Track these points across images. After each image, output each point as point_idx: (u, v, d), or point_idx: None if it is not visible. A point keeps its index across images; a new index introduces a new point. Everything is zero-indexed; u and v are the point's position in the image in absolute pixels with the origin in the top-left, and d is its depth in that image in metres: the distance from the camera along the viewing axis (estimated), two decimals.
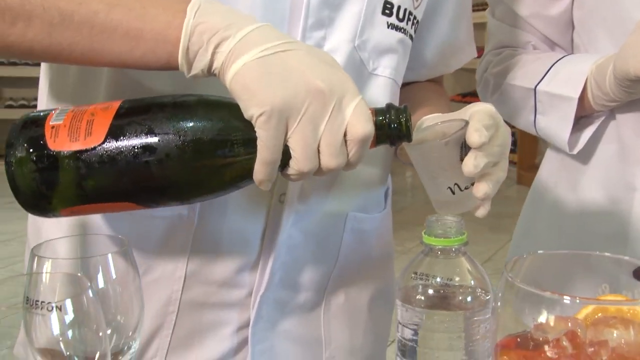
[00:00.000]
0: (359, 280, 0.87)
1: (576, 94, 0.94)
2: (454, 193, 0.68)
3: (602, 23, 0.97)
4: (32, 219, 0.83)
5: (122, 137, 0.58)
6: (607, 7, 0.95)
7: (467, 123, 0.67)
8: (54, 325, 0.45)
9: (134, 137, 0.58)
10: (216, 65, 0.60)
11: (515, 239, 1.12)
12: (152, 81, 0.70)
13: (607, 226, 0.96)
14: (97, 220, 0.74)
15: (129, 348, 0.55)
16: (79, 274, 0.46)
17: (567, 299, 0.54)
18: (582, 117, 0.98)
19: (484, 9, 1.17)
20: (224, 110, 0.60)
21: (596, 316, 0.59)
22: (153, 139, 0.58)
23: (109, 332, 0.54)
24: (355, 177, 0.81)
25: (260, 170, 0.59)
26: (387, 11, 0.76)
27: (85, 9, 0.60)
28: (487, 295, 0.64)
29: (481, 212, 0.69)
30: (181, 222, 0.74)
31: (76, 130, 0.59)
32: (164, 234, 0.75)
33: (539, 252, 0.61)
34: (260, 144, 0.58)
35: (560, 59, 1.00)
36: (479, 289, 0.64)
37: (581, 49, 1.02)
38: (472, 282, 0.64)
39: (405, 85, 0.91)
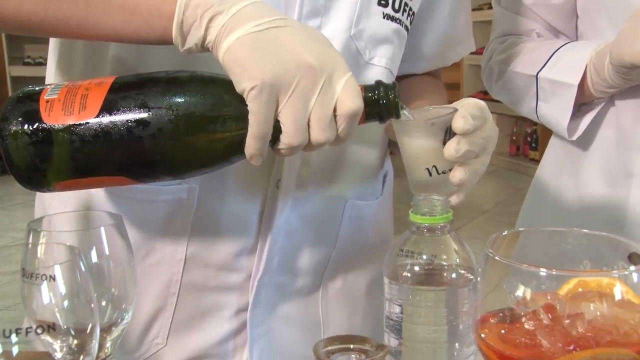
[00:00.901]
0: (357, 264, 0.88)
1: (576, 81, 0.95)
2: (430, 175, 0.71)
3: (603, 10, 0.97)
4: (39, 200, 0.86)
5: (115, 111, 0.59)
6: None
7: (456, 110, 0.69)
8: (44, 295, 0.47)
9: (127, 112, 0.59)
10: (209, 39, 0.61)
11: (519, 225, 1.13)
12: (157, 60, 0.71)
13: (605, 211, 0.96)
14: (99, 203, 0.77)
15: (122, 319, 0.57)
16: (69, 244, 0.49)
17: (543, 272, 0.55)
18: (583, 105, 0.99)
19: (490, 8, 1.17)
20: (217, 85, 0.61)
21: (577, 291, 0.60)
22: (146, 113, 0.59)
23: (103, 304, 0.57)
24: (354, 163, 0.83)
25: (251, 144, 0.60)
26: (383, 2, 0.77)
27: None
28: (472, 273, 0.65)
29: (454, 199, 0.71)
30: (181, 205, 0.76)
31: (70, 104, 0.59)
32: (164, 217, 0.77)
33: (520, 229, 0.62)
34: (251, 118, 0.59)
35: (562, 46, 1.00)
36: (464, 267, 0.65)
37: (585, 36, 1.03)
38: (458, 259, 0.66)
39: (402, 78, 0.92)
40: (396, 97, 0.63)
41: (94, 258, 0.55)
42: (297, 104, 0.59)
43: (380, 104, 0.63)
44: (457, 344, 0.66)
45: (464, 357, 0.66)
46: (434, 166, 0.70)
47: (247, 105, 0.59)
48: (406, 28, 0.81)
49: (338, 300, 0.88)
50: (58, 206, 0.80)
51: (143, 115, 0.59)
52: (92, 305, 0.50)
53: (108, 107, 0.59)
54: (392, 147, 0.90)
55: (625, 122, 0.95)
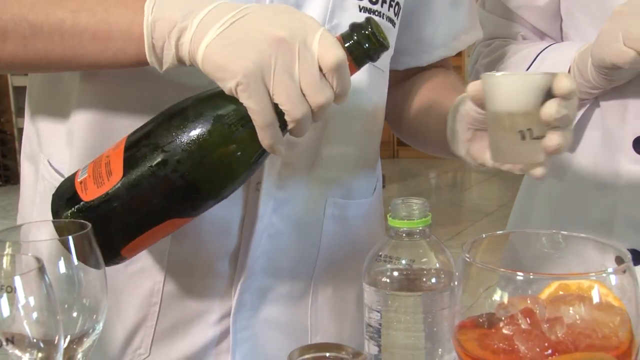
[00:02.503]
0: (347, 271, 0.87)
1: None
2: (524, 138, 0.65)
3: (586, 11, 0.97)
4: (20, 213, 0.86)
5: (137, 164, 0.62)
6: None
7: (554, 74, 0.65)
8: (3, 306, 0.46)
9: (146, 159, 0.62)
10: (183, 55, 0.62)
11: (509, 229, 1.12)
12: (120, 80, 0.73)
13: (594, 213, 0.96)
14: None
15: (94, 330, 0.57)
16: (30, 255, 0.48)
17: (520, 276, 0.54)
18: None
19: None
20: (211, 99, 0.63)
21: (557, 295, 0.59)
22: (161, 154, 0.61)
23: (74, 314, 0.56)
24: (333, 160, 0.82)
25: (263, 136, 0.61)
26: None
27: (52, 19, 0.64)
28: (452, 278, 0.64)
29: (539, 171, 0.67)
30: None
31: (99, 176, 0.63)
32: None
33: (497, 232, 0.62)
34: (251, 112, 0.60)
35: (546, 47, 1.00)
36: (444, 271, 0.65)
37: (569, 38, 1.02)
38: (437, 264, 0.65)
39: (411, 75, 0.91)
40: (375, 32, 0.62)
41: (63, 268, 0.55)
42: (283, 80, 0.59)
43: (362, 45, 0.62)
44: (439, 350, 0.65)
45: None
46: (528, 129, 0.64)
47: (242, 104, 0.60)
48: (390, 20, 0.80)
49: (328, 308, 0.87)
50: (38, 217, 0.79)
51: (158, 156, 0.61)
52: (58, 316, 0.49)
53: (129, 164, 0.62)
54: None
55: (611, 123, 0.94)
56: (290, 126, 0.62)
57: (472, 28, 0.93)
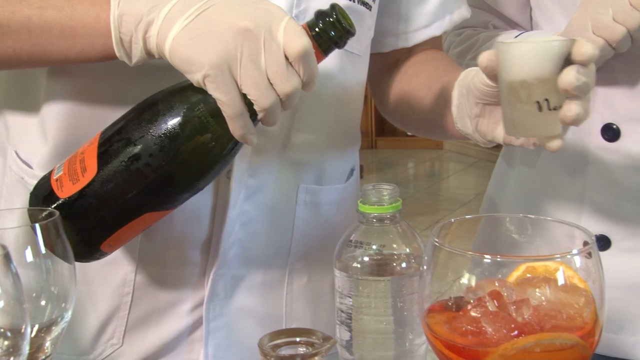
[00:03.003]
0: (323, 260, 0.87)
1: None
2: (541, 109, 0.62)
3: (556, 0, 0.97)
4: None
5: (110, 160, 0.62)
6: None
7: (573, 41, 0.62)
8: None
9: (120, 154, 0.62)
10: (151, 49, 0.62)
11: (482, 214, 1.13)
12: (90, 74, 0.72)
13: (564, 199, 0.97)
14: None
15: (62, 318, 0.56)
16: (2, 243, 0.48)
17: (487, 259, 0.55)
18: None
19: None
20: (181, 92, 0.63)
21: (525, 277, 0.60)
22: (133, 148, 0.61)
23: (43, 303, 0.56)
24: (304, 145, 0.82)
25: (234, 127, 0.61)
26: None
27: (18, 16, 0.64)
28: (421, 262, 0.65)
29: (556, 144, 0.65)
30: None
31: (74, 172, 0.63)
32: None
33: (466, 217, 0.62)
34: (219, 103, 0.60)
35: (517, 36, 1.00)
36: (414, 256, 0.65)
37: (539, 26, 1.03)
38: (407, 249, 0.65)
39: (401, 59, 0.91)
40: (340, 17, 0.62)
41: (30, 256, 0.54)
42: (250, 70, 0.59)
43: (328, 32, 0.62)
44: (409, 334, 0.65)
45: (416, 346, 0.66)
46: (546, 99, 0.61)
47: (211, 96, 0.60)
48: (364, 3, 0.80)
49: (303, 296, 0.87)
50: (5, 206, 0.78)
51: (131, 150, 0.61)
52: (25, 305, 0.49)
53: (103, 160, 0.62)
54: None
55: None
56: (260, 115, 0.62)
57: (458, 7, 0.92)
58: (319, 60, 0.62)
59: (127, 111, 0.65)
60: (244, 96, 0.60)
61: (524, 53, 0.61)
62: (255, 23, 0.59)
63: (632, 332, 0.93)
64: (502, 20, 1.06)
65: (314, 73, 0.62)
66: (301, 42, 0.60)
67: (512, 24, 1.06)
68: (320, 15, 0.62)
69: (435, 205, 4.73)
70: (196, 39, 0.59)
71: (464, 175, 5.77)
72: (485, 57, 0.65)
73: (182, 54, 0.60)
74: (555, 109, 0.62)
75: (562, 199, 0.97)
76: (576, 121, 0.62)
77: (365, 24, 0.83)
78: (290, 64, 0.60)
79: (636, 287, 0.92)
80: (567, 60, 0.61)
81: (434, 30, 0.92)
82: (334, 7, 0.62)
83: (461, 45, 1.07)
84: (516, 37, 1.01)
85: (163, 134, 0.61)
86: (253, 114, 0.62)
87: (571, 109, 0.61)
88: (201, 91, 0.61)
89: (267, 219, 0.82)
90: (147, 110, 0.63)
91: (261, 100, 0.60)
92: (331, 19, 0.62)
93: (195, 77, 0.60)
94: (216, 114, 0.61)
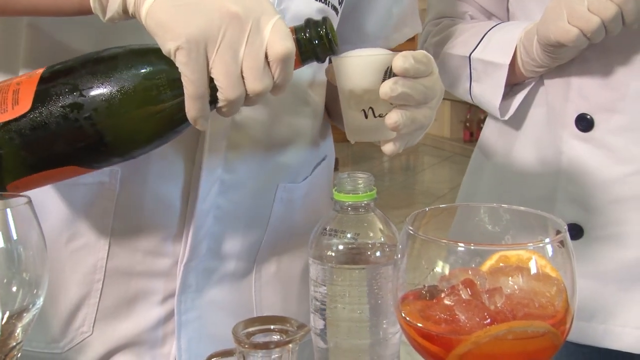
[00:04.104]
0: (291, 248, 0.87)
1: (506, 61, 0.95)
2: (366, 117, 0.67)
3: None
4: None
5: (48, 100, 0.58)
6: None
7: (394, 54, 0.66)
8: None
9: (60, 98, 0.58)
10: (129, 4, 0.58)
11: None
12: (71, 38, 0.70)
13: (538, 188, 0.98)
14: None
15: (34, 305, 0.55)
16: None
17: (461, 247, 0.55)
18: (516, 85, 1.00)
19: None
20: (146, 55, 0.60)
21: (498, 266, 0.60)
22: (78, 97, 0.58)
23: (14, 289, 0.55)
24: (285, 146, 0.82)
25: (190, 107, 0.58)
26: None
27: None
28: (396, 251, 0.65)
29: (389, 147, 0.68)
30: (103, 188, 0.74)
31: (3, 102, 0.58)
32: (86, 201, 0.75)
33: (440, 206, 0.62)
34: (184, 79, 0.57)
35: (493, 27, 1.01)
36: (389, 245, 0.65)
37: (516, 17, 1.03)
38: (382, 238, 0.65)
39: None
40: (329, 33, 0.61)
41: (1, 242, 0.53)
42: (226, 56, 0.57)
43: (313, 43, 0.61)
44: (384, 323, 0.65)
45: (390, 335, 0.66)
46: (370, 107, 0.67)
47: (177, 68, 0.57)
48: (334, 8, 0.80)
49: (272, 285, 0.87)
50: None
51: (75, 99, 0.57)
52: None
53: (40, 98, 0.58)
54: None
55: (554, 100, 0.96)
56: (220, 104, 0.59)
57: (412, 20, 0.93)
58: (295, 67, 0.61)
59: (81, 55, 0.61)
60: (211, 80, 0.58)
61: (352, 66, 0.67)
62: (245, 11, 0.57)
63: (602, 320, 0.95)
64: (479, 10, 1.07)
65: (289, 78, 0.60)
66: (285, 45, 0.58)
67: (488, 15, 1.07)
68: (310, 23, 0.61)
69: (410, 199, 4.75)
70: (180, 8, 0.56)
71: (439, 169, 5.80)
72: (327, 69, 0.71)
73: (160, 18, 0.56)
74: (380, 116, 0.67)
75: (536, 188, 0.98)
76: (395, 128, 0.66)
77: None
78: (268, 63, 0.59)
79: (607, 275, 0.93)
80: (392, 72, 0.66)
81: (388, 43, 0.92)
82: (325, 20, 0.62)
83: (439, 35, 1.07)
84: (490, 29, 1.01)
85: (114, 92, 0.57)
86: (213, 100, 0.59)
87: (391, 117, 0.66)
88: (167, 61, 0.58)
89: (243, 216, 0.81)
90: (104, 62, 0.59)
91: (228, 91, 0.58)
92: (321, 31, 0.61)
93: (167, 46, 0.57)
94: (175, 88, 0.58)
